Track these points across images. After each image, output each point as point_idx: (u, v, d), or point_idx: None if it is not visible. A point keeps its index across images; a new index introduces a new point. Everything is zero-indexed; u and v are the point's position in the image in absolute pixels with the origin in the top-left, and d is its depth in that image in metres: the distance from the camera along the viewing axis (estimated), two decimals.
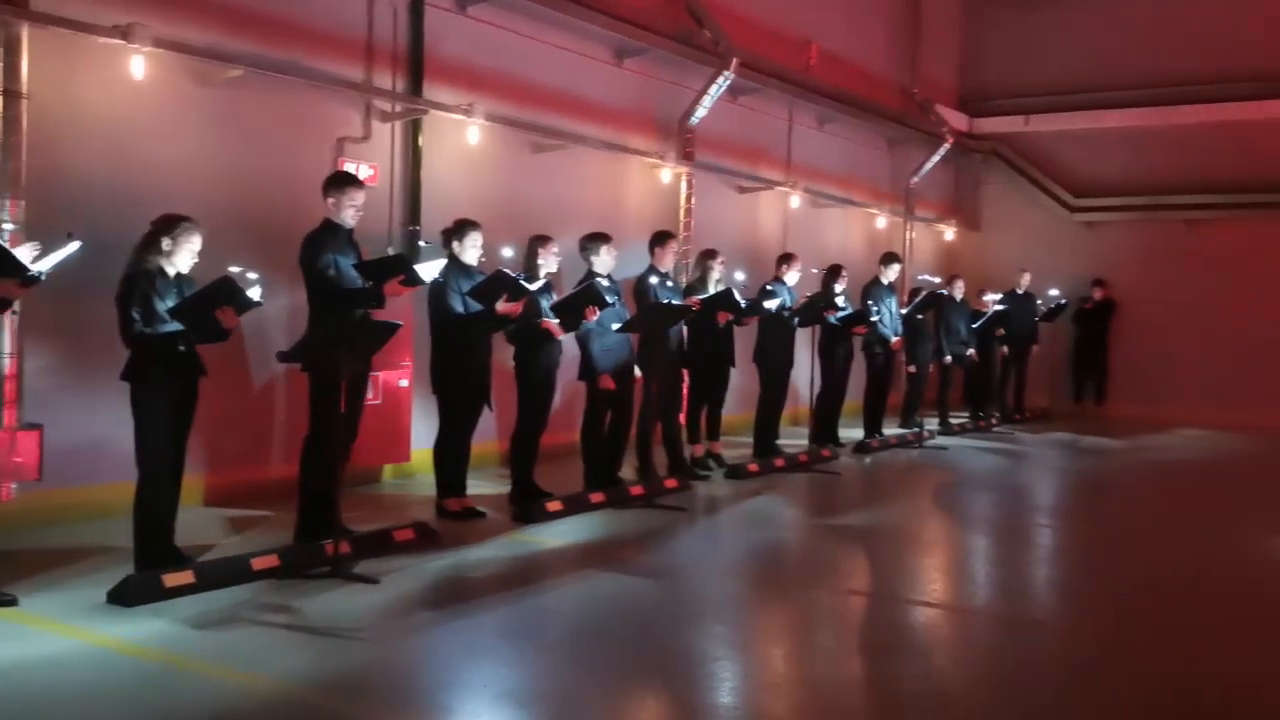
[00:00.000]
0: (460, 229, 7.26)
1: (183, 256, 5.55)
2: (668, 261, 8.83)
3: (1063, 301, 14.98)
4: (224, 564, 5.76)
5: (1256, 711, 4.58)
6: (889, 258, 11.85)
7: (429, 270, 6.54)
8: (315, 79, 7.79)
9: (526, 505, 7.49)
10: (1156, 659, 5.19)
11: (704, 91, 10.92)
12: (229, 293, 5.42)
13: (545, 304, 7.49)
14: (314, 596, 5.49)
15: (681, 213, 11.11)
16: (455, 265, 7.15)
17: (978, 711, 4.50)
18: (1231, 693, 4.75)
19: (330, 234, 6.24)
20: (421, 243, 8.36)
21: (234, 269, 5.48)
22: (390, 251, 7.87)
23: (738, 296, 8.96)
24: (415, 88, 8.52)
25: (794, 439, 10.87)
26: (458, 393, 7.23)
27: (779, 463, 9.91)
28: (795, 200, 12.60)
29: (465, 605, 5.58)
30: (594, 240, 8.07)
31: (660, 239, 8.84)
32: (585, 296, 7.45)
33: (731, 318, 9.10)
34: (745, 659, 5.11)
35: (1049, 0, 15.82)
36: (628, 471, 8.56)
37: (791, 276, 10.15)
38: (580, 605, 5.76)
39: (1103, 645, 5.39)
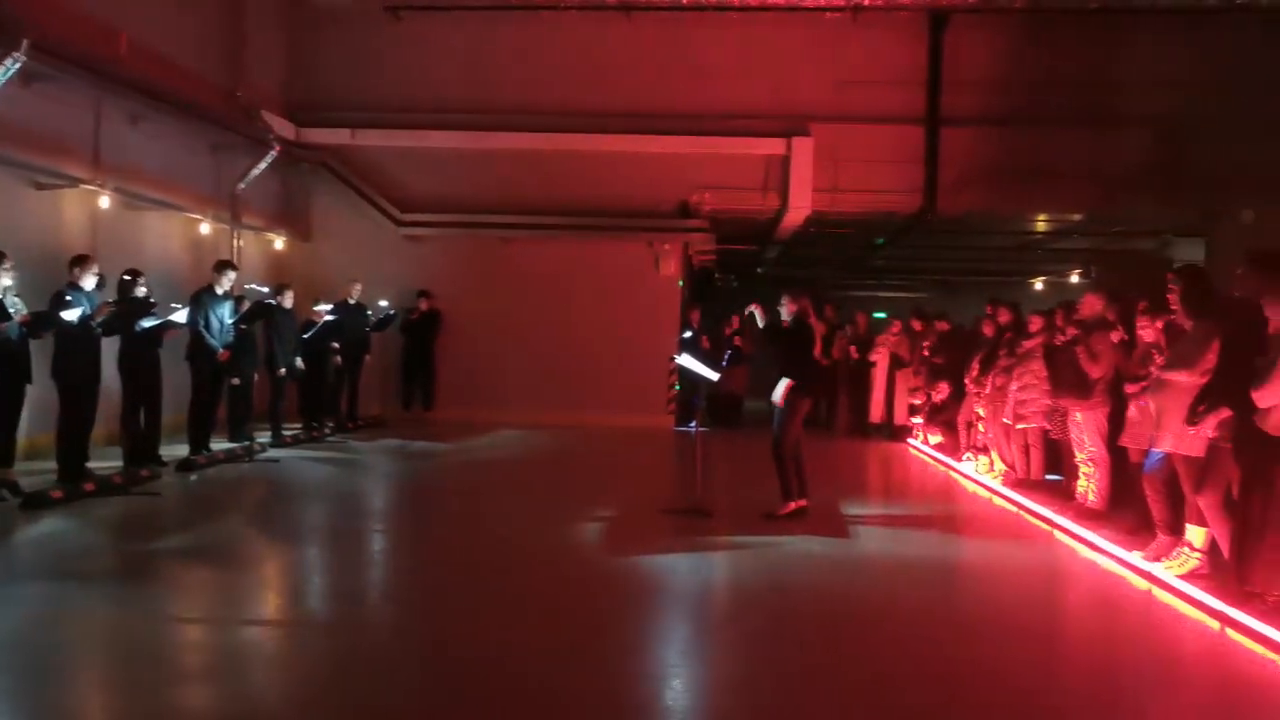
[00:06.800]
0: None
1: None
2: None
3: (391, 312, 15.49)
4: None
5: (531, 685, 5.06)
6: (223, 265, 11.39)
7: None
8: None
9: None
10: (465, 648, 5.53)
11: None
12: None
13: None
14: None
15: None
16: None
17: None
18: (512, 676, 5.21)
19: None
20: None
21: None
22: None
23: (9, 308, 7.92)
24: None
25: (109, 460, 9.98)
26: None
27: (89, 487, 9.00)
28: (105, 201, 11.55)
29: None
30: None
31: None
32: None
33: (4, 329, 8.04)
34: (31, 709, 4.53)
35: (376, 19, 16.21)
36: None
37: (89, 281, 9.27)
38: None
39: (419, 641, 5.63)
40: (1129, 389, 8.14)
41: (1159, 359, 7.52)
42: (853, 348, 16.52)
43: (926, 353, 14.27)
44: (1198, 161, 14.70)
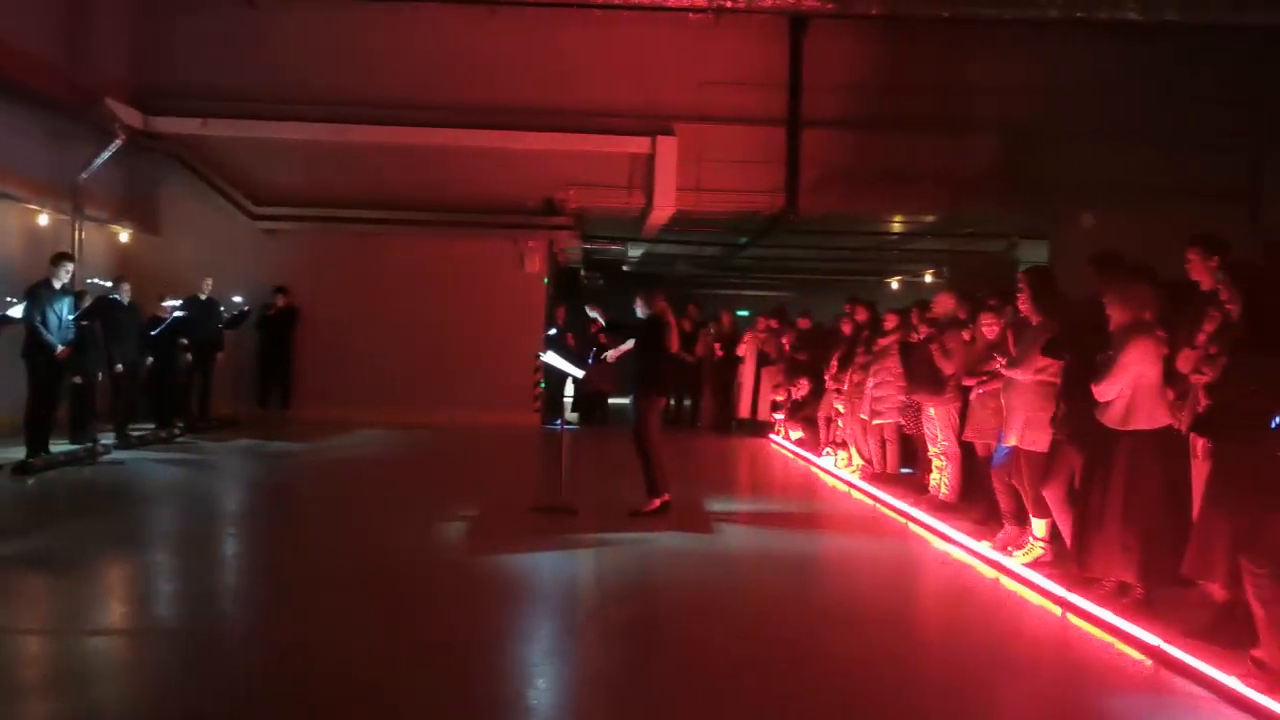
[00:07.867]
0: None
1: None
2: None
3: (246, 308, 14.99)
4: None
5: (390, 686, 4.97)
6: (60, 258, 10.85)
7: None
8: None
9: None
10: (321, 652, 5.37)
11: None
12: None
13: None
14: None
15: None
16: None
17: None
18: (371, 678, 5.10)
19: None
20: None
21: None
22: None
23: None
24: None
25: None
26: None
27: None
28: None
29: None
30: None
31: None
32: None
33: None
34: None
35: (231, 4, 15.62)
36: None
37: None
38: None
39: (272, 646, 5.46)
40: (967, 382, 8.47)
41: (999, 358, 7.81)
42: (717, 345, 16.71)
43: (788, 349, 14.55)
44: (1041, 167, 15.39)
